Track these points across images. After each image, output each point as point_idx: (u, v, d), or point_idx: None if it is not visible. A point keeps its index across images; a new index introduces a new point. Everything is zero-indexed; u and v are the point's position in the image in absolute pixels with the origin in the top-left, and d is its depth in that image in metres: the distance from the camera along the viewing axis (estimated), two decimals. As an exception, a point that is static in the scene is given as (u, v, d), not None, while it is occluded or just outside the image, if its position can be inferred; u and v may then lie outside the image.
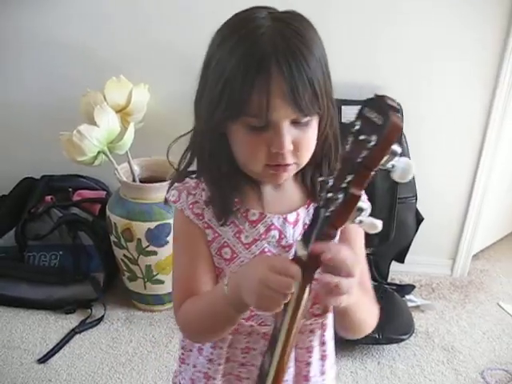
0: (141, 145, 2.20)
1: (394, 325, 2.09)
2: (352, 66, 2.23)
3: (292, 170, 0.87)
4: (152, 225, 2.06)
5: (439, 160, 2.37)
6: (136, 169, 2.20)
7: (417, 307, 2.32)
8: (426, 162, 2.30)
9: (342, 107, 2.14)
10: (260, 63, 0.78)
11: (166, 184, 2.07)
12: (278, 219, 0.93)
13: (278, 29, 0.81)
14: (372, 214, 2.39)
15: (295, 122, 0.82)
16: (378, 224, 0.71)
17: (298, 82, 0.79)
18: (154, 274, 2.16)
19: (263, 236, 0.93)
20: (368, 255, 2.44)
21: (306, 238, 0.72)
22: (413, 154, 2.22)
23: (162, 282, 2.19)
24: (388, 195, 2.18)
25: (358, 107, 2.16)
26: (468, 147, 2.35)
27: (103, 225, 2.23)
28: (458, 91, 2.27)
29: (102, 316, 2.23)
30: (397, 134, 0.61)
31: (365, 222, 0.70)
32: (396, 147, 0.63)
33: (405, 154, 2.20)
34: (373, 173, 0.64)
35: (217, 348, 0.98)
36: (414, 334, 2.11)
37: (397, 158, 0.64)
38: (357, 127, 0.65)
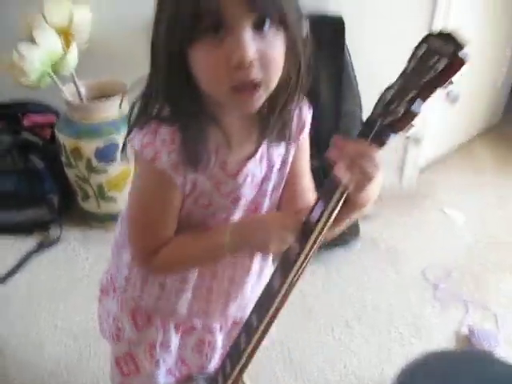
0: (88, 66, 2.19)
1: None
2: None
3: (261, 92, 0.82)
4: (100, 143, 2.09)
5: (383, 70, 2.37)
6: (82, 90, 2.21)
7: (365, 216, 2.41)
8: (369, 73, 2.33)
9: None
10: None
11: (112, 102, 2.10)
12: (252, 165, 0.95)
13: None
14: (318, 126, 2.44)
15: (259, 30, 0.77)
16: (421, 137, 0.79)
17: None
18: (106, 191, 2.22)
19: (241, 183, 0.95)
20: (317, 168, 2.51)
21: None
22: (356, 65, 2.25)
23: (114, 200, 2.25)
24: (333, 107, 2.22)
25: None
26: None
27: (54, 148, 2.25)
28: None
29: (59, 237, 2.29)
30: (461, 67, 0.70)
31: (410, 137, 0.77)
32: (454, 77, 0.71)
33: (347, 66, 2.23)
34: (435, 91, 0.72)
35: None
36: (360, 240, 2.21)
37: (451, 86, 0.72)
38: (421, 52, 0.74)
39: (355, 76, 2.26)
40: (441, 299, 1.99)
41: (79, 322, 1.90)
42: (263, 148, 0.95)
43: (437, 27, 2.26)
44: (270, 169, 0.98)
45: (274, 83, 0.83)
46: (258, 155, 0.95)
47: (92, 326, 1.87)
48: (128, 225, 1.02)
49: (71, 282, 2.08)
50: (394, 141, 0.76)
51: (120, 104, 1.08)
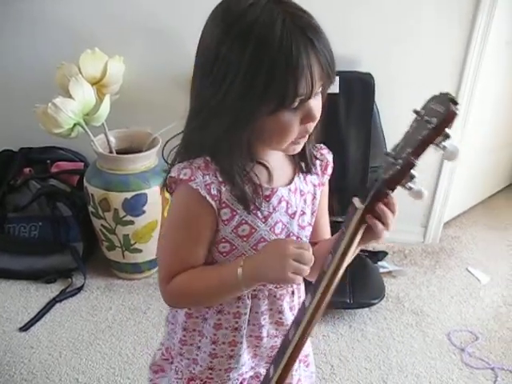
0: (117, 116, 2.23)
1: (365, 290, 2.17)
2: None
3: (307, 138, 0.95)
4: (128, 195, 2.10)
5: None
6: (112, 140, 2.23)
7: (389, 273, 2.40)
8: (397, 131, 2.34)
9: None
10: (298, 48, 0.82)
11: (141, 155, 2.12)
12: (285, 190, 1.00)
13: (289, 11, 0.86)
14: (344, 182, 2.48)
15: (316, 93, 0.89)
16: (425, 192, 0.82)
17: (329, 56, 0.86)
18: (132, 243, 2.22)
19: (276, 208, 0.98)
20: (341, 223, 2.51)
21: (363, 195, 0.86)
22: (385, 123, 2.27)
23: (139, 251, 2.24)
24: (360, 164, 2.23)
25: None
26: (439, 117, 2.39)
27: (81, 196, 2.27)
28: (429, 58, 2.29)
29: (82, 285, 2.29)
30: (452, 119, 0.75)
31: (414, 189, 0.81)
32: (449, 131, 0.76)
33: (376, 123, 2.24)
34: (428, 147, 0.78)
35: (241, 315, 1.03)
36: (384, 299, 2.19)
37: (448, 141, 0.77)
38: (421, 115, 0.79)
39: (383, 133, 2.28)
40: (468, 364, 1.96)
41: (100, 377, 1.88)
42: (296, 182, 1.02)
43: (465, 87, 2.30)
44: (304, 203, 1.03)
45: None
46: (292, 186, 1.01)
47: (113, 382, 1.87)
48: (158, 245, 1.06)
49: (93, 333, 2.07)
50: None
51: (162, 152, 1.11)
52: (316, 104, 0.90)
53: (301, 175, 1.04)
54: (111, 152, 2.21)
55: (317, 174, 1.06)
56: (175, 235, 1.00)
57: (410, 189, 0.81)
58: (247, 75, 0.84)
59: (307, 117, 0.89)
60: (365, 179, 2.23)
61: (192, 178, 0.92)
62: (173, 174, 0.94)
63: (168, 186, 0.97)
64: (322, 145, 1.08)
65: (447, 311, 2.21)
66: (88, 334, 2.06)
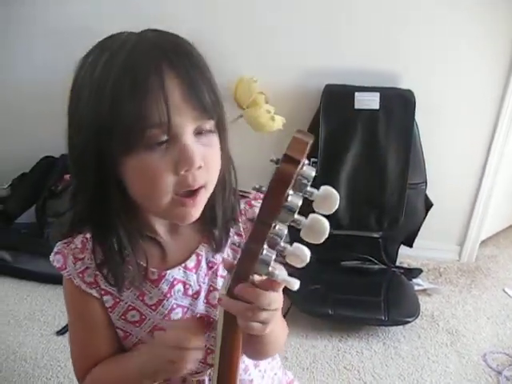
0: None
1: (400, 307, 2.15)
2: (367, 53, 2.26)
3: (202, 198, 0.77)
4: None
5: (450, 146, 2.39)
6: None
7: (423, 291, 2.38)
8: (436, 149, 2.34)
9: (356, 93, 2.20)
10: (147, 66, 0.69)
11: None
12: (179, 271, 0.87)
13: (159, 35, 0.76)
14: (383, 198, 2.41)
15: (199, 134, 0.74)
16: (294, 284, 0.62)
17: (195, 78, 0.71)
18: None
19: (168, 294, 0.86)
20: (377, 239, 2.49)
21: (226, 282, 0.71)
22: (424, 140, 2.26)
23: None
24: (399, 180, 2.22)
25: (371, 94, 2.18)
26: (479, 134, 2.37)
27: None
28: (471, 78, 2.28)
29: (118, 291, 2.31)
30: (283, 185, 0.53)
31: (277, 277, 0.62)
32: (294, 199, 0.53)
33: (415, 140, 2.23)
34: (270, 227, 0.57)
35: None
36: (419, 317, 2.16)
37: (298, 217, 0.55)
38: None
39: (423, 150, 2.27)
40: (504, 388, 1.93)
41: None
42: (203, 253, 0.89)
43: (508, 104, 2.28)
44: (214, 275, 0.90)
45: (214, 184, 0.79)
46: (190, 262, 0.87)
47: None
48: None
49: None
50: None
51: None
52: (198, 146, 0.73)
53: (213, 242, 0.87)
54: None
55: (239, 235, 0.89)
56: (73, 328, 0.93)
57: (272, 276, 0.62)
58: (94, 99, 0.72)
59: (181, 160, 0.71)
60: (403, 195, 2.22)
61: (63, 266, 0.84)
62: (50, 257, 0.86)
63: None
64: (255, 193, 0.90)
65: (483, 332, 2.18)
66: (123, 341, 2.09)
